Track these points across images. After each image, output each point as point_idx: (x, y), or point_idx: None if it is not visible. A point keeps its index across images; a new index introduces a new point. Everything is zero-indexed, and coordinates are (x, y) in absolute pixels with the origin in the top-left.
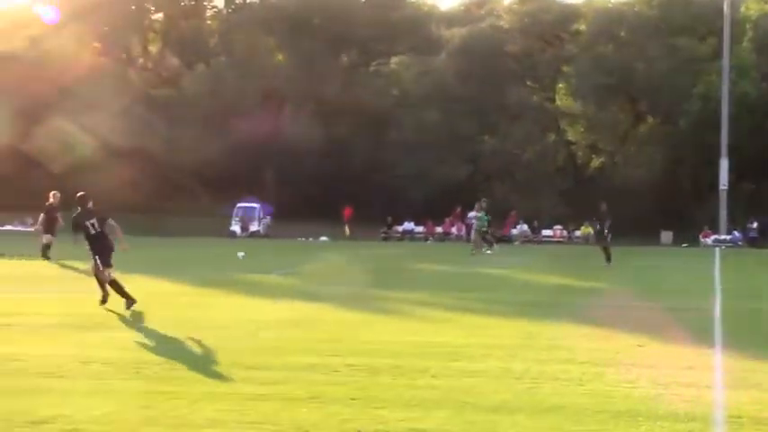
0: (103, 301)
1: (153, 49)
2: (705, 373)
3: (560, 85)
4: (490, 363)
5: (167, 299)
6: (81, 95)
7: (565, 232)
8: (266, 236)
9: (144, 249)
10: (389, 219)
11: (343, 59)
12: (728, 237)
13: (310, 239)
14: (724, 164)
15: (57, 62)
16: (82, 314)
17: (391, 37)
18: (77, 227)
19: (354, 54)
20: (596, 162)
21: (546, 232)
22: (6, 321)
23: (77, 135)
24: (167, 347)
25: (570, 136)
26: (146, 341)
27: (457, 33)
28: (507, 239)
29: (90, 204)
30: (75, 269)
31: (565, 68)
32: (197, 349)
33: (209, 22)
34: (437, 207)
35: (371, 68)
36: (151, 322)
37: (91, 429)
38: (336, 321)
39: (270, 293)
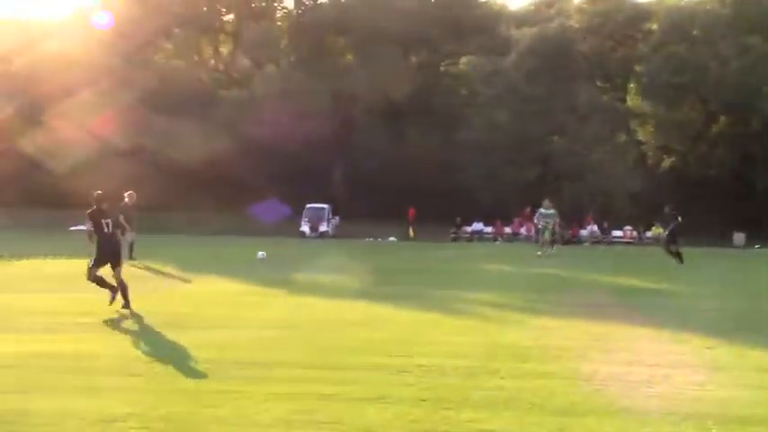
0: (125, 300)
1: (224, 50)
2: None
3: (631, 85)
4: (558, 364)
5: (233, 298)
6: (152, 97)
7: (635, 233)
8: (335, 236)
9: (218, 248)
10: (458, 219)
11: (412, 60)
12: None
13: (379, 240)
14: None
15: (127, 64)
16: (151, 313)
17: (461, 37)
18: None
19: (424, 54)
20: (667, 162)
21: (616, 233)
22: (80, 320)
23: (149, 135)
24: (235, 347)
25: (641, 136)
26: (214, 341)
27: (527, 33)
28: (577, 240)
29: (105, 205)
30: (155, 270)
31: (636, 68)
32: (264, 349)
33: (279, 23)
34: (506, 208)
35: (441, 69)
36: (219, 322)
37: (160, 428)
38: (404, 322)
39: (338, 293)
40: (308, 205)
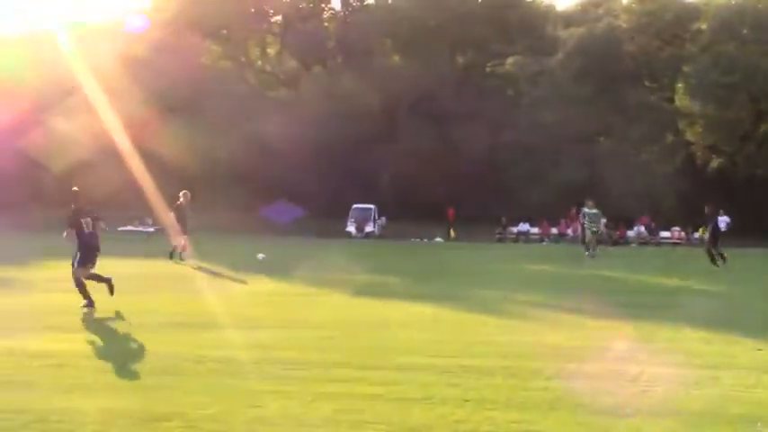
0: (111, 291)
1: (271, 51)
2: None
3: (679, 85)
4: (604, 365)
5: (277, 298)
6: (199, 98)
7: (683, 234)
8: (381, 237)
9: (259, 248)
10: (504, 220)
11: (458, 60)
12: None
13: (425, 240)
14: None
15: (177, 66)
16: (196, 313)
17: (507, 37)
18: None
19: (470, 55)
20: (716, 163)
21: (664, 234)
22: (129, 320)
23: (198, 137)
24: (280, 347)
25: (689, 136)
26: (259, 341)
27: (574, 33)
28: (624, 241)
29: (83, 203)
30: (206, 269)
31: (684, 68)
32: (309, 349)
33: (326, 24)
34: (552, 208)
35: (487, 69)
36: (263, 322)
37: (206, 427)
38: (449, 322)
39: (383, 294)
40: (355, 206)
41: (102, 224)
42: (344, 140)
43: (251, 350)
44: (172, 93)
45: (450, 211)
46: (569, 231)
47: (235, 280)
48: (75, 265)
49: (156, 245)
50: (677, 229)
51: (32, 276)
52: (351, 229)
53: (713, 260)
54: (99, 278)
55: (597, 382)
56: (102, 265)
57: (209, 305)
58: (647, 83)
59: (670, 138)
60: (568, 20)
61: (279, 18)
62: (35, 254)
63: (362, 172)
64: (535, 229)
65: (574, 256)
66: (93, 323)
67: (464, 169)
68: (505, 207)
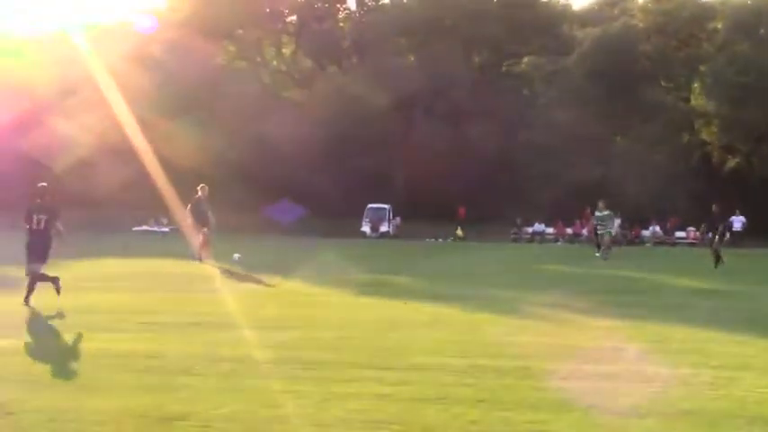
0: (57, 290)
1: (286, 51)
2: None
3: (695, 85)
4: (619, 365)
5: (292, 298)
6: (212, 99)
7: (698, 234)
8: (395, 236)
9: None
10: (519, 220)
11: (474, 60)
12: None
13: (439, 240)
14: None
15: (191, 66)
16: (213, 313)
17: (523, 37)
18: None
19: (486, 54)
20: (731, 163)
21: (679, 234)
22: (141, 319)
23: (207, 136)
24: (295, 347)
25: (704, 136)
26: (275, 341)
27: (590, 33)
28: (639, 241)
29: (42, 199)
30: (224, 269)
31: (700, 68)
32: (324, 349)
33: (341, 24)
34: (567, 208)
35: (503, 69)
36: (278, 322)
37: (221, 427)
38: (464, 322)
39: (398, 294)
40: (369, 205)
41: (58, 225)
42: (357, 140)
43: (266, 350)
44: (185, 93)
45: (461, 211)
46: (584, 232)
47: (249, 280)
48: (33, 261)
49: (171, 244)
50: (692, 229)
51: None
52: (365, 228)
53: (718, 261)
54: (44, 278)
55: (612, 383)
56: (118, 264)
57: (224, 305)
58: (662, 82)
59: (685, 138)
60: (584, 19)
61: (294, 18)
62: (54, 253)
63: (375, 172)
64: (550, 230)
65: (588, 256)
66: (105, 323)
67: (478, 169)
68: (519, 207)
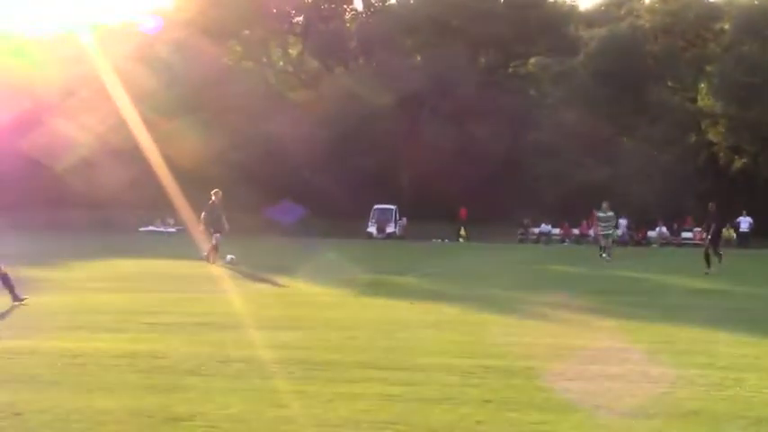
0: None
1: (293, 51)
2: None
3: (702, 85)
4: (626, 366)
5: (299, 298)
6: (218, 99)
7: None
8: (402, 237)
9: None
10: (526, 221)
11: (481, 61)
12: None
13: (446, 241)
14: None
15: (197, 67)
16: (220, 313)
17: (529, 38)
18: None
19: (492, 55)
20: (738, 163)
21: (686, 234)
22: (147, 320)
23: (212, 137)
24: (301, 347)
25: (711, 137)
26: (282, 341)
27: (596, 33)
28: (646, 242)
29: None
30: (233, 270)
31: (707, 68)
32: (330, 349)
33: (348, 24)
34: (574, 209)
35: (509, 70)
36: (285, 322)
37: (228, 427)
38: (471, 323)
39: (405, 294)
40: (376, 206)
41: None
42: (363, 140)
43: (273, 350)
44: (191, 93)
45: (463, 211)
46: (591, 232)
47: (256, 280)
48: None
49: (177, 245)
50: (698, 229)
51: (61, 276)
52: (372, 229)
53: (716, 260)
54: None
55: (619, 384)
56: (124, 265)
57: (231, 305)
58: (669, 83)
59: (692, 138)
60: (591, 20)
61: (300, 18)
62: (62, 254)
63: (381, 172)
64: (557, 230)
65: (595, 257)
66: (112, 323)
67: (484, 169)
68: (527, 207)
